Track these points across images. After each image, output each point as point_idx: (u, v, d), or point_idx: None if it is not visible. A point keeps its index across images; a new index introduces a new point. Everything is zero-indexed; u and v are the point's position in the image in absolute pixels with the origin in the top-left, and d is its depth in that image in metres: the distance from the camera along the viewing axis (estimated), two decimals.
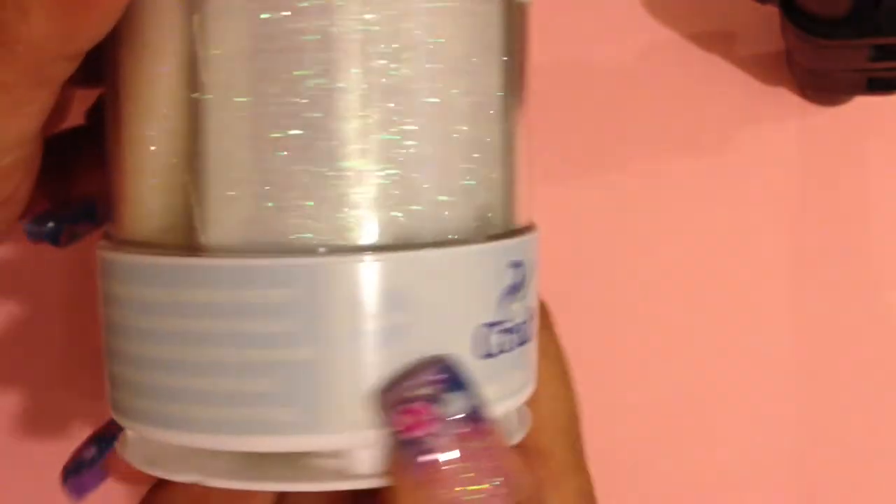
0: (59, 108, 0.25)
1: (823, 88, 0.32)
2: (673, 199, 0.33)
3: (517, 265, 0.19)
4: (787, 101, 0.33)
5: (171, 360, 0.18)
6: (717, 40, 0.33)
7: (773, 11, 0.29)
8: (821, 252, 0.33)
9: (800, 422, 0.33)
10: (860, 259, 0.33)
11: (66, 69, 0.18)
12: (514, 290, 0.19)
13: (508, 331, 0.19)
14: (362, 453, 0.18)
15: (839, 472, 0.33)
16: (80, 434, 0.34)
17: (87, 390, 0.35)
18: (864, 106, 0.32)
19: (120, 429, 0.21)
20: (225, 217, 0.17)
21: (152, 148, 0.18)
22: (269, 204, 0.17)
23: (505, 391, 0.19)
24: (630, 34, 0.33)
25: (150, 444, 0.20)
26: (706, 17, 0.33)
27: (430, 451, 0.17)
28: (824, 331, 0.33)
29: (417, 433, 0.17)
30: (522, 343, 0.19)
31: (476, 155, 0.19)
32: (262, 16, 0.17)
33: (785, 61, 0.33)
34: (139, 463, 0.19)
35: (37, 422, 0.35)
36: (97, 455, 0.22)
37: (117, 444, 0.21)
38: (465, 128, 0.18)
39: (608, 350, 0.33)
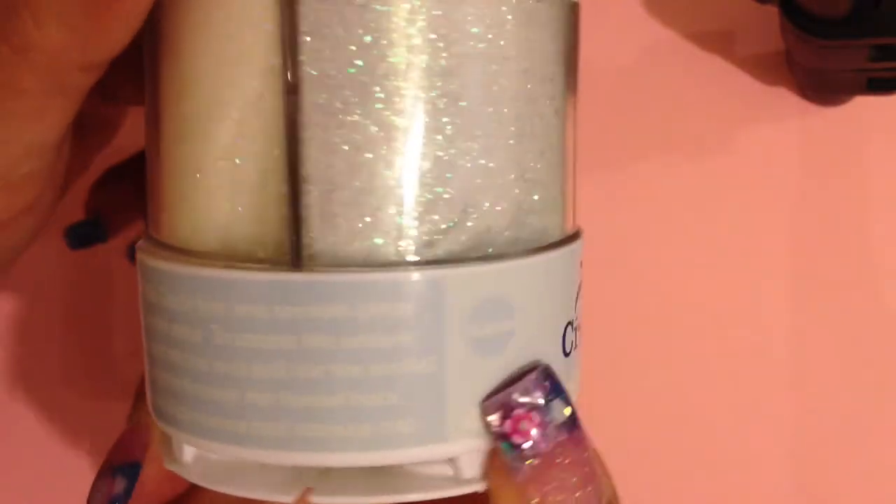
0: (110, 125, 0.24)
1: (823, 88, 0.32)
2: (672, 199, 0.33)
3: (581, 264, 0.20)
4: (787, 101, 0.33)
5: (280, 379, 0.17)
6: (717, 40, 0.33)
7: (773, 11, 0.29)
8: (820, 252, 0.33)
9: (799, 421, 0.33)
10: (860, 259, 0.33)
11: (86, 80, 0.17)
12: (580, 288, 0.20)
13: (576, 328, 0.19)
14: (466, 459, 0.18)
15: (839, 471, 0.33)
16: (80, 434, 0.34)
17: (87, 390, 0.35)
18: (864, 106, 0.32)
19: (139, 450, 0.20)
20: (329, 231, 0.17)
21: (238, 160, 0.17)
22: (367, 218, 0.17)
23: (574, 389, 0.19)
24: (630, 34, 0.33)
25: (218, 462, 0.19)
26: (706, 17, 0.33)
27: (534, 455, 0.17)
28: (824, 330, 0.33)
29: (524, 439, 0.17)
30: (579, 341, 0.20)
31: (550, 157, 0.19)
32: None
33: (785, 61, 0.33)
34: (210, 482, 0.19)
35: (37, 422, 0.35)
36: (129, 485, 0.21)
37: (169, 466, 0.19)
38: (539, 131, 0.19)
39: (606, 349, 0.33)
